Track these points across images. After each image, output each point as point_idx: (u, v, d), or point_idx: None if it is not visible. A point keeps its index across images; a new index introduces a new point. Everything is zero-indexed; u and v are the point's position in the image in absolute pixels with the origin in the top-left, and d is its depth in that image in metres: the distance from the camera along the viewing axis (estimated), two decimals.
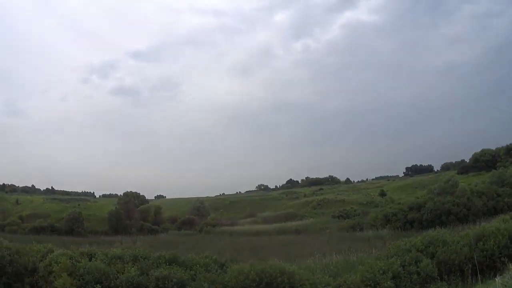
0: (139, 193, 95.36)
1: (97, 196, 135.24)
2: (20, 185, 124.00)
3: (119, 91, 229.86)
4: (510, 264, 9.13)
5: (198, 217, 78.26)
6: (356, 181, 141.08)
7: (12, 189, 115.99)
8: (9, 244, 15.99)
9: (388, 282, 12.80)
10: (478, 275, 10.83)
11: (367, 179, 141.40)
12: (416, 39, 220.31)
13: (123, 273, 13.62)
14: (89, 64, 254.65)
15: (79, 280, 13.21)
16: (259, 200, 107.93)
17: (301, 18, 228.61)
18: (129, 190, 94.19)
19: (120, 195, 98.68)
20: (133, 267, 14.14)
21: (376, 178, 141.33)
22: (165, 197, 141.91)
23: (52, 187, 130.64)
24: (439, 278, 12.97)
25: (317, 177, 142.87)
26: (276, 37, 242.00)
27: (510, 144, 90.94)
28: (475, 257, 11.01)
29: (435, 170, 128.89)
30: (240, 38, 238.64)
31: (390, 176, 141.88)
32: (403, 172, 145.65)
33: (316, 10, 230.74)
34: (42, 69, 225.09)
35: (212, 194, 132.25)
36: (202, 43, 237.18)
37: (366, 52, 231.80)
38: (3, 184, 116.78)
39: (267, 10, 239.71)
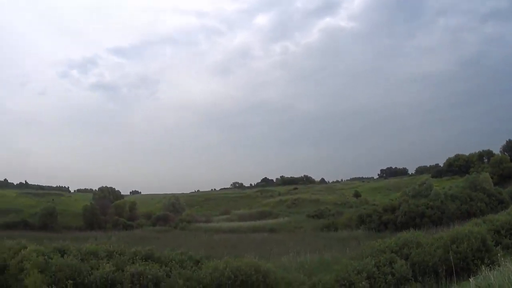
0: (114, 189, 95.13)
1: (72, 191, 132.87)
2: None
3: (98, 87, 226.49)
4: (483, 267, 9.33)
5: (173, 213, 77.73)
6: (330, 181, 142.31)
7: None
8: None
9: (363, 282, 12.75)
10: (454, 276, 11.00)
11: (341, 180, 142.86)
12: (392, 47, 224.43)
13: (97, 269, 13.34)
14: (70, 59, 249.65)
15: (51, 277, 12.83)
16: (233, 198, 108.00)
17: (281, 21, 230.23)
18: (104, 186, 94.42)
19: (95, 190, 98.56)
20: (107, 263, 13.87)
21: (351, 179, 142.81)
22: (140, 193, 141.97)
23: (25, 181, 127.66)
24: (413, 279, 13.12)
25: (292, 176, 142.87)
26: (256, 39, 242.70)
27: (483, 151, 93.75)
28: (452, 259, 11.18)
29: (410, 173, 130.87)
30: (220, 38, 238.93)
31: (365, 178, 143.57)
32: (378, 174, 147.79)
33: (296, 14, 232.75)
34: (21, 62, 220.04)
35: (187, 190, 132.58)
36: (182, 43, 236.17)
37: (343, 57, 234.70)
38: None
39: (248, 13, 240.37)
